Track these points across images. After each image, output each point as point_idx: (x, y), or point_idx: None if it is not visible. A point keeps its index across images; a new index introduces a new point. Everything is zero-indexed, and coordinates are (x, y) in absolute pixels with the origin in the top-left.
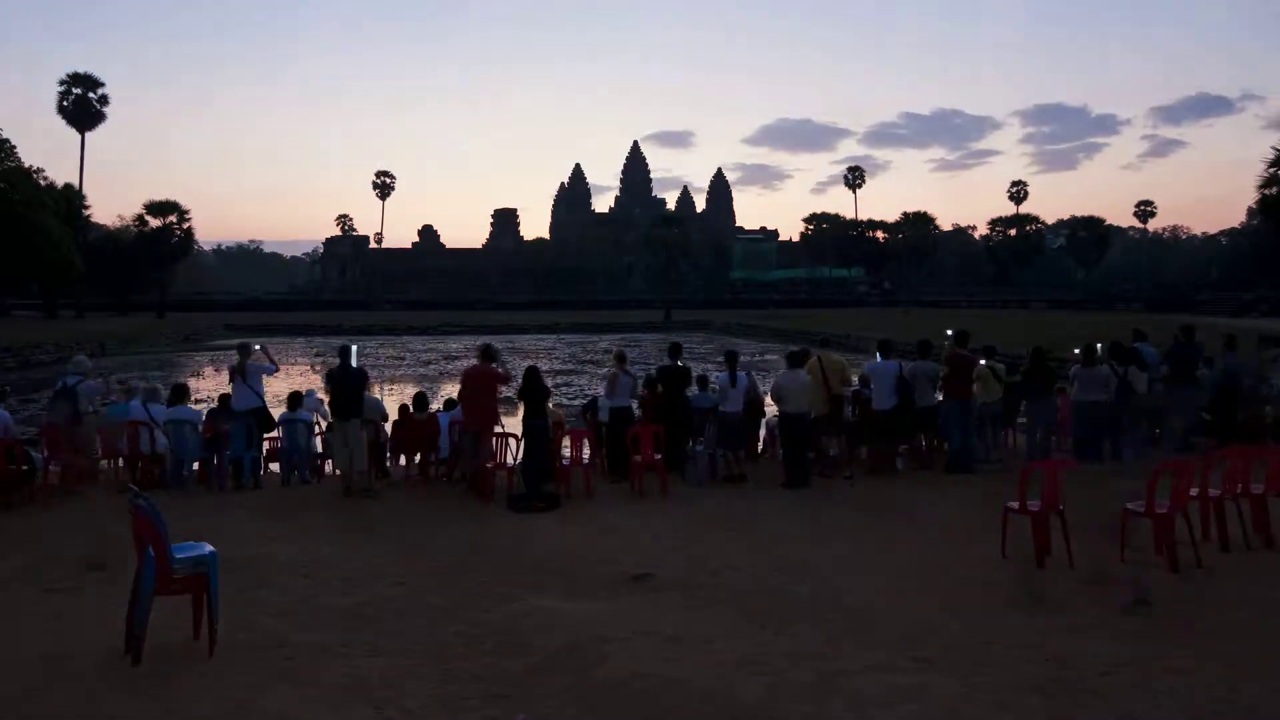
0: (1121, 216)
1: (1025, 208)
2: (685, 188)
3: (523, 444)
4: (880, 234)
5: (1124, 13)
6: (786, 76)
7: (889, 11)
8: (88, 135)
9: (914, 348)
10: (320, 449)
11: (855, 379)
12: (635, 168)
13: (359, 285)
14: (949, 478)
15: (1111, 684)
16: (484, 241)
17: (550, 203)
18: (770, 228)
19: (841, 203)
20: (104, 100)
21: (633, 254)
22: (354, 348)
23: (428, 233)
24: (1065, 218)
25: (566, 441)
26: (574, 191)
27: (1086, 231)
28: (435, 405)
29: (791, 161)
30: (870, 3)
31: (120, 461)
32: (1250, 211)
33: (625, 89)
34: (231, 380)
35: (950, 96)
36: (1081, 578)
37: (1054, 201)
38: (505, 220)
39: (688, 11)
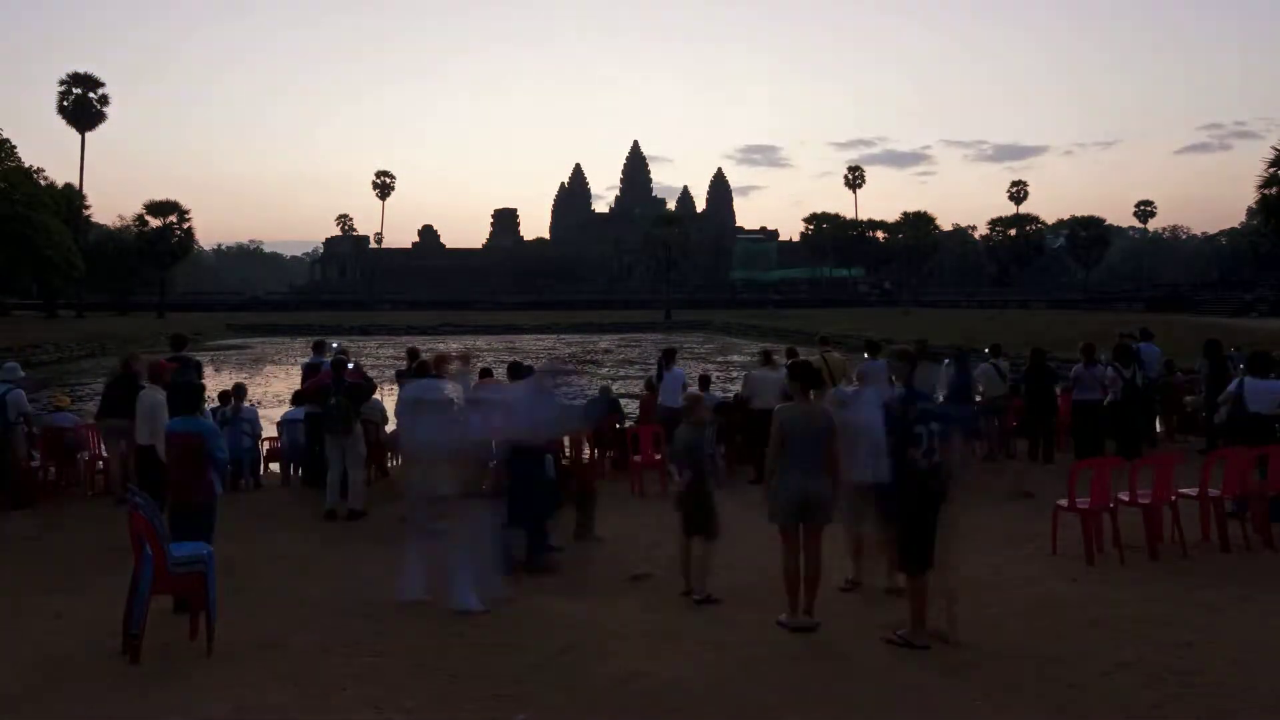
0: (1122, 216)
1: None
2: (685, 188)
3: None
4: (880, 234)
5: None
6: (735, 106)
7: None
8: (88, 135)
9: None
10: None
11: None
12: (635, 168)
13: (359, 285)
14: None
15: (1112, 684)
16: (484, 241)
17: (550, 203)
18: (770, 228)
19: (840, 204)
20: (104, 100)
21: (633, 254)
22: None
23: (428, 233)
24: (1065, 218)
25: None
26: (574, 191)
27: (1086, 231)
28: None
29: (758, 176)
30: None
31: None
32: (1250, 211)
33: (625, 89)
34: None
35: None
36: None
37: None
38: (505, 220)
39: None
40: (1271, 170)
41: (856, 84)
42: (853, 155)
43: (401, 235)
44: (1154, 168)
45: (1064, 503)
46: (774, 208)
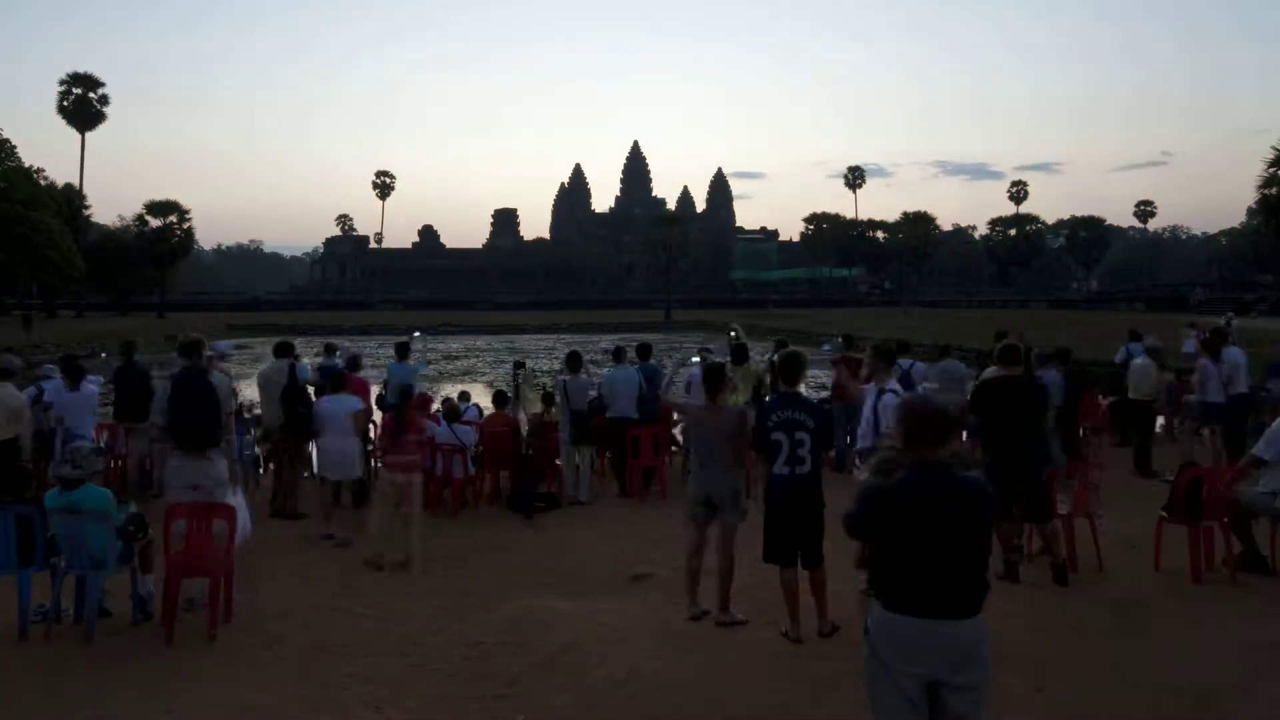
0: (1122, 216)
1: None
2: (685, 188)
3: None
4: (880, 234)
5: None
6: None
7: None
8: (88, 135)
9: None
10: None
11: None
12: (635, 168)
13: (359, 285)
14: None
15: (1110, 686)
16: (484, 241)
17: (550, 203)
18: (770, 228)
19: (841, 204)
20: (104, 100)
21: (633, 254)
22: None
23: (428, 233)
24: (1065, 218)
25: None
26: (574, 191)
27: (1086, 231)
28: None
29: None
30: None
31: (123, 462)
32: (1250, 211)
33: (625, 89)
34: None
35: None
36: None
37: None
38: (505, 220)
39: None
40: (1271, 170)
41: (792, 110)
42: (816, 173)
43: (401, 235)
44: (1093, 184)
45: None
46: (756, 218)
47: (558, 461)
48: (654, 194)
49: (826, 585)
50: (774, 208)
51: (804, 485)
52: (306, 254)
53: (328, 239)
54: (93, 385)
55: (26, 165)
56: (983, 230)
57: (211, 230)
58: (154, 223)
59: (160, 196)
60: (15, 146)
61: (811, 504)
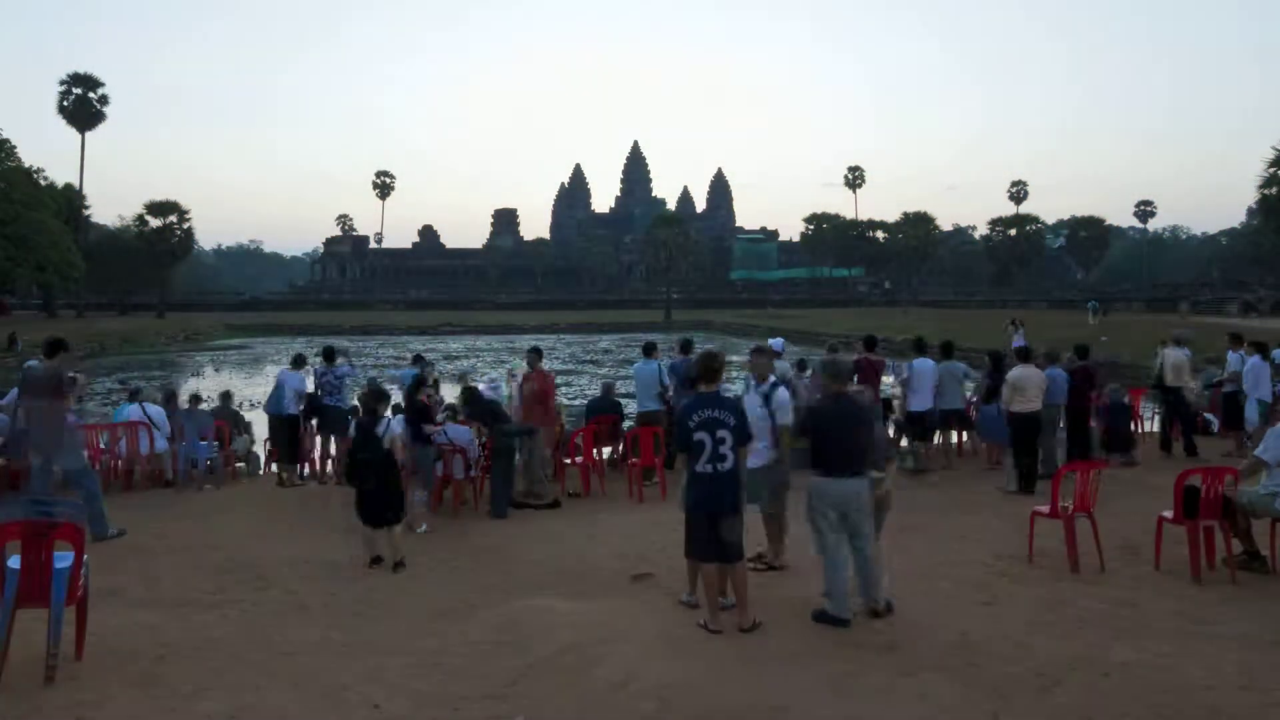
0: (1122, 216)
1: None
2: (685, 188)
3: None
4: (880, 234)
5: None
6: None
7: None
8: (88, 135)
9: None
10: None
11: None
12: (635, 167)
13: (359, 285)
14: (955, 477)
15: (1111, 686)
16: (484, 241)
17: (550, 203)
18: (770, 228)
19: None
20: (104, 100)
21: (633, 254)
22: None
23: (428, 233)
24: (1065, 218)
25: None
26: (574, 191)
27: (1086, 231)
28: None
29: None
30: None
31: (119, 463)
32: (1250, 211)
33: (626, 89)
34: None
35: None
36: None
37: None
38: (505, 220)
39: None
40: (1271, 170)
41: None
42: (810, 179)
43: (401, 235)
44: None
45: (1044, 509)
46: (756, 218)
47: (577, 459)
48: (654, 194)
49: (747, 580)
50: (774, 208)
51: (726, 481)
52: (306, 254)
53: (328, 239)
54: None
55: (26, 165)
56: (983, 230)
57: (211, 230)
58: (154, 223)
59: (160, 196)
60: (15, 146)
61: (735, 499)
